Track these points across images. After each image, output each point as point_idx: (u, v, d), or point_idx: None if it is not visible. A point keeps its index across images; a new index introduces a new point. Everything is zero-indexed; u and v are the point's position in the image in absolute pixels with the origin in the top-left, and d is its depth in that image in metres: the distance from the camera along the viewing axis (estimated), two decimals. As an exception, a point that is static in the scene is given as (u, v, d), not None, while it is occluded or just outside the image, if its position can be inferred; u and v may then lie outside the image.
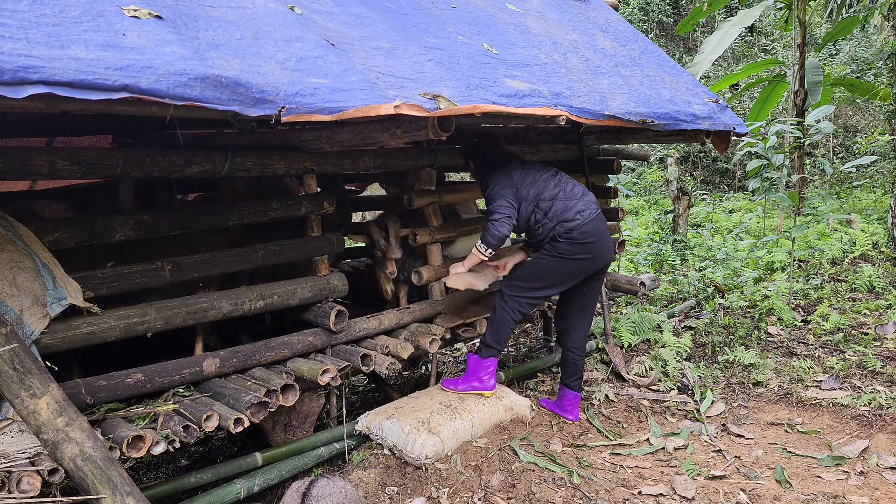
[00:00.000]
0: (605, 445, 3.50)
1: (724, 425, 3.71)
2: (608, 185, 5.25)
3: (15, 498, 1.99)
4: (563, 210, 3.37)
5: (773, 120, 10.66)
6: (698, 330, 5.32)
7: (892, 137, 7.92)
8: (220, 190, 3.58)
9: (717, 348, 4.86)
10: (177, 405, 2.63)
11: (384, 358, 3.26)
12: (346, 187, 4.79)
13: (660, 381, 4.31)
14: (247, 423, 2.61)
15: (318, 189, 3.38)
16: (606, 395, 4.07)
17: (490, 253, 3.37)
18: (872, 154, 11.70)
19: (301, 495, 2.26)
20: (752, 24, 15.46)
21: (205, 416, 2.55)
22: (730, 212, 11.74)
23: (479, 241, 3.38)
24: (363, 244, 4.19)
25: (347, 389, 5.05)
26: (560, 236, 3.37)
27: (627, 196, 13.09)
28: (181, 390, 2.80)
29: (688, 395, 4.11)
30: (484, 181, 3.56)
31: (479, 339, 3.62)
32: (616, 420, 3.83)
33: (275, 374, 2.97)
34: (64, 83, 1.64)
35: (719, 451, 3.41)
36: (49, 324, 2.38)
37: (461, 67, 2.83)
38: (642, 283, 4.95)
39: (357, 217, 6.07)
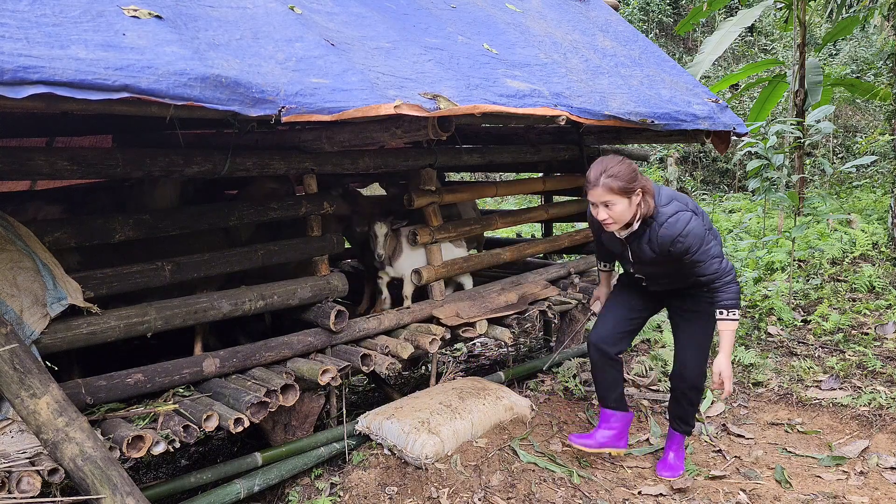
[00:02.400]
0: (605, 445, 3.50)
1: (723, 425, 3.71)
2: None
3: (15, 498, 1.99)
4: None
5: (773, 120, 10.66)
6: (698, 330, 5.31)
7: (892, 137, 7.91)
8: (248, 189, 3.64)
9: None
10: (177, 405, 2.63)
11: (384, 358, 3.26)
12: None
13: (660, 381, 4.31)
14: (247, 423, 2.61)
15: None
16: (606, 395, 4.07)
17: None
18: (872, 154, 11.69)
19: None
20: (752, 24, 15.46)
21: (205, 416, 2.55)
22: (730, 212, 11.73)
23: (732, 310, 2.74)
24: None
25: (347, 389, 5.05)
26: None
27: (627, 196, 13.06)
28: (181, 390, 2.80)
29: (688, 395, 4.11)
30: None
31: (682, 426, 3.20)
32: (616, 420, 3.83)
33: (275, 374, 2.97)
34: (64, 83, 1.64)
35: (719, 451, 3.41)
36: (49, 324, 2.38)
37: (461, 67, 2.83)
38: (642, 283, 4.95)
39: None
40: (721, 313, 2.75)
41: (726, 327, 2.76)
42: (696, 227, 2.59)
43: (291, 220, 3.36)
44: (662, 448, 3.45)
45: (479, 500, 2.87)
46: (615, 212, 2.59)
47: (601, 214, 2.61)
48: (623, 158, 2.56)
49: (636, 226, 2.66)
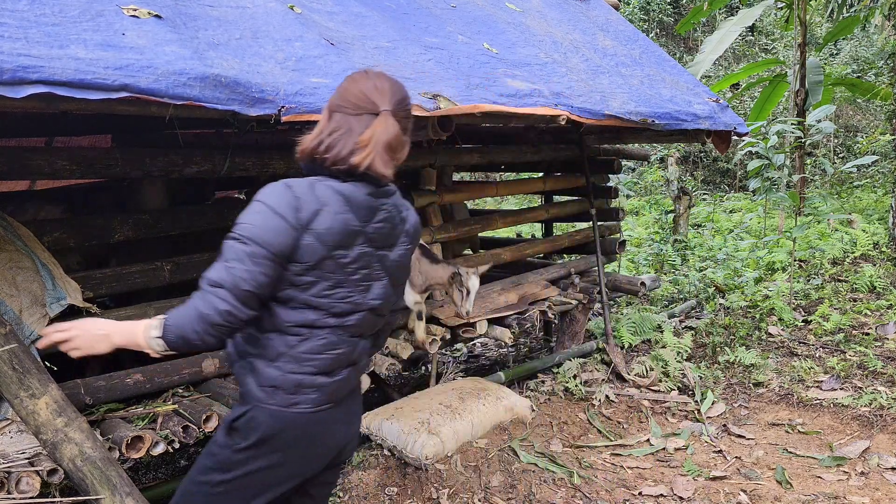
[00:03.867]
0: (606, 446, 3.50)
1: (724, 426, 3.71)
2: (608, 184, 5.25)
3: (14, 498, 1.98)
4: None
5: (773, 120, 10.65)
6: (699, 330, 5.31)
7: (893, 137, 7.91)
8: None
9: (718, 349, 4.85)
10: (176, 405, 2.63)
11: (384, 358, 3.25)
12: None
13: (660, 381, 4.30)
14: (246, 424, 2.60)
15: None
16: (607, 396, 4.06)
17: None
18: (873, 154, 11.67)
19: None
20: (753, 24, 15.44)
21: (204, 417, 2.55)
22: (730, 212, 11.73)
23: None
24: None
25: (347, 389, 5.03)
26: None
27: (628, 196, 13.08)
28: (180, 391, 2.80)
29: (688, 396, 4.11)
30: None
31: None
32: (616, 420, 3.82)
33: (275, 374, 2.96)
34: (63, 83, 1.63)
35: (720, 451, 3.40)
36: (48, 324, 2.38)
37: (461, 67, 2.83)
38: (643, 284, 4.94)
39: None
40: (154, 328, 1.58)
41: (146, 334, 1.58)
42: (271, 198, 1.56)
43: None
44: (663, 448, 3.45)
45: (479, 500, 2.87)
46: None
47: None
48: (379, 75, 1.65)
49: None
